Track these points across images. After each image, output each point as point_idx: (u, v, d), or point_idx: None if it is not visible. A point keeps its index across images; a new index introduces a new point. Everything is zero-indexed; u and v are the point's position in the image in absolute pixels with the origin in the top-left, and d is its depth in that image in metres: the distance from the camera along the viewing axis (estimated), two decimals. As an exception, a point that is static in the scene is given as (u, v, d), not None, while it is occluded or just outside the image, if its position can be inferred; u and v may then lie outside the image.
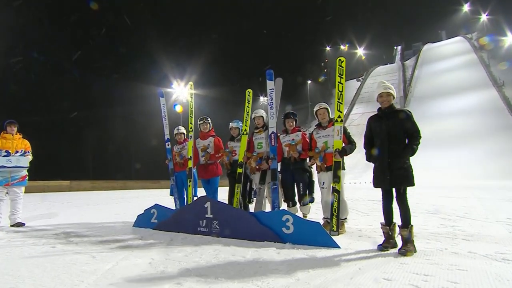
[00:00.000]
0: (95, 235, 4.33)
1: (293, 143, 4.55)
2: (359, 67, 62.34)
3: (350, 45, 64.81)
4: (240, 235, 3.82)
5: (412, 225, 3.14)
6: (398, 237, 3.20)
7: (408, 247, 3.04)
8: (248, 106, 5.12)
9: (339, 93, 4.15)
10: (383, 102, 3.31)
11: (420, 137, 3.19)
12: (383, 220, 3.31)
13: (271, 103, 4.68)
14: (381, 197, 3.29)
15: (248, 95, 5.15)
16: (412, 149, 3.13)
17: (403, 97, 42.52)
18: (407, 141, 3.22)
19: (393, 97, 3.32)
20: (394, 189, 3.22)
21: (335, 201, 3.99)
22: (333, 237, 3.48)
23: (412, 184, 3.16)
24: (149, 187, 23.39)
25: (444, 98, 37.50)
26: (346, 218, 4.30)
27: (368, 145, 3.40)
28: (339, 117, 4.14)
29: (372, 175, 3.34)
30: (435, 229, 4.26)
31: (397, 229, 3.22)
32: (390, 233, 3.24)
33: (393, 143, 3.17)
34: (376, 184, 3.29)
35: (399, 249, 3.07)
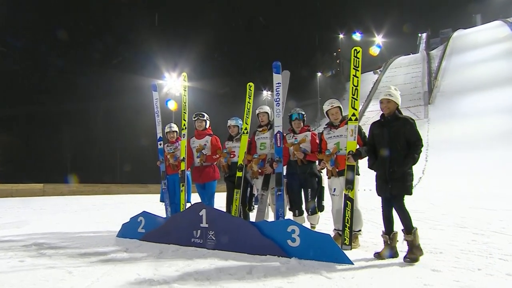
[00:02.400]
0: (72, 247, 4.35)
1: (296, 142, 4.56)
2: (377, 57, 62.14)
3: (367, 32, 64.64)
4: (239, 248, 3.84)
5: (416, 228, 3.49)
6: (403, 244, 3.52)
7: (413, 253, 3.38)
8: (249, 102, 5.13)
9: (354, 88, 4.16)
10: (383, 109, 3.70)
11: (422, 145, 3.55)
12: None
13: (278, 100, 4.69)
14: (381, 204, 3.69)
15: (249, 89, 5.16)
16: (413, 158, 3.48)
17: (427, 92, 42.37)
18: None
19: (396, 104, 3.66)
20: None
21: (348, 210, 4.00)
22: (345, 251, 3.49)
23: (409, 193, 3.55)
24: (136, 191, 23.43)
25: (477, 93, 37.20)
26: (360, 230, 4.30)
27: (369, 152, 3.76)
28: (353, 115, 4.14)
29: (374, 182, 3.69)
30: (465, 245, 4.23)
31: (399, 237, 3.59)
32: (389, 242, 3.59)
33: (395, 151, 3.52)
34: (379, 192, 3.69)
35: (404, 257, 3.38)
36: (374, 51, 51.86)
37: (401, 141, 3.53)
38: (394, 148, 3.52)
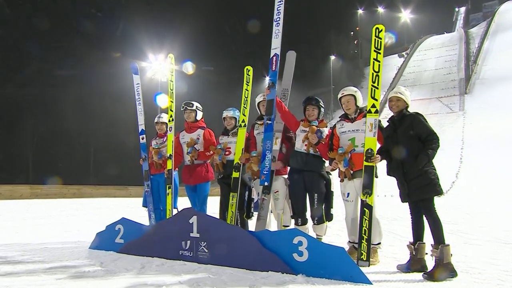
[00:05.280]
0: (35, 261, 4.35)
1: (315, 124, 4.59)
2: (403, 37, 61.71)
3: (391, 7, 64.19)
4: (237, 262, 3.88)
5: (446, 245, 3.60)
6: (431, 258, 3.61)
7: (437, 272, 3.48)
8: (247, 89, 5.17)
9: (375, 74, 4.18)
10: (392, 107, 4.06)
11: (437, 139, 3.77)
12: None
13: (278, 20, 4.81)
14: (409, 210, 3.94)
15: (247, 74, 5.19)
16: (426, 155, 3.70)
17: (464, 79, 42.21)
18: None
19: (405, 104, 4.01)
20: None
21: (366, 220, 4.04)
22: (362, 268, 3.52)
23: (436, 192, 3.75)
24: (113, 194, 23.54)
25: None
26: (379, 243, 4.34)
27: (386, 158, 4.07)
28: (373, 106, 4.16)
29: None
30: (510, 265, 4.20)
31: (426, 249, 3.75)
32: (414, 253, 3.78)
33: (406, 152, 3.80)
34: (401, 199, 3.96)
35: (423, 273, 3.56)
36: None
37: (411, 139, 3.82)
38: (405, 149, 3.81)
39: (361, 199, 4.12)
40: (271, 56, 4.79)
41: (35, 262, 4.32)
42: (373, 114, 4.16)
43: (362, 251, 4.02)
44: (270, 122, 4.69)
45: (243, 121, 5.13)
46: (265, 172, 4.59)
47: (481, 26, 56.15)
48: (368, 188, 4.09)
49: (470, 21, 65.40)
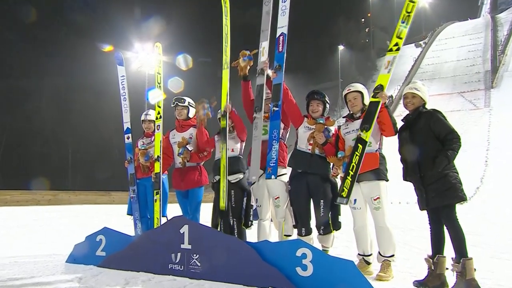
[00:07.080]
0: (3, 278, 4.30)
1: (322, 121, 4.61)
2: (421, 24, 61.41)
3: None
4: (233, 277, 3.89)
5: (469, 258, 3.55)
6: (452, 273, 3.63)
7: None
8: (226, 25, 5.16)
9: (407, 14, 4.10)
10: (407, 105, 4.11)
11: (458, 138, 3.76)
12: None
13: None
14: (428, 220, 3.96)
15: (225, 6, 5.20)
16: (446, 156, 3.68)
17: (490, 71, 42.24)
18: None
19: (422, 101, 4.04)
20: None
21: (357, 155, 4.10)
22: (372, 283, 3.52)
23: (458, 198, 3.73)
24: (94, 201, 23.55)
25: None
26: (392, 256, 4.33)
27: (402, 161, 4.11)
28: (396, 44, 4.16)
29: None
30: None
31: (447, 264, 3.74)
32: (433, 268, 3.75)
33: (422, 154, 3.83)
34: (419, 206, 3.99)
35: None
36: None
37: (428, 139, 3.85)
38: (421, 150, 3.84)
39: (358, 135, 4.18)
40: (277, 35, 4.83)
41: (3, 279, 4.26)
42: (394, 52, 4.19)
43: (344, 187, 4.12)
44: (277, 109, 4.71)
45: (226, 62, 5.09)
46: (272, 165, 4.61)
47: (511, 11, 56.05)
48: (367, 124, 4.15)
49: (498, 5, 65.19)
